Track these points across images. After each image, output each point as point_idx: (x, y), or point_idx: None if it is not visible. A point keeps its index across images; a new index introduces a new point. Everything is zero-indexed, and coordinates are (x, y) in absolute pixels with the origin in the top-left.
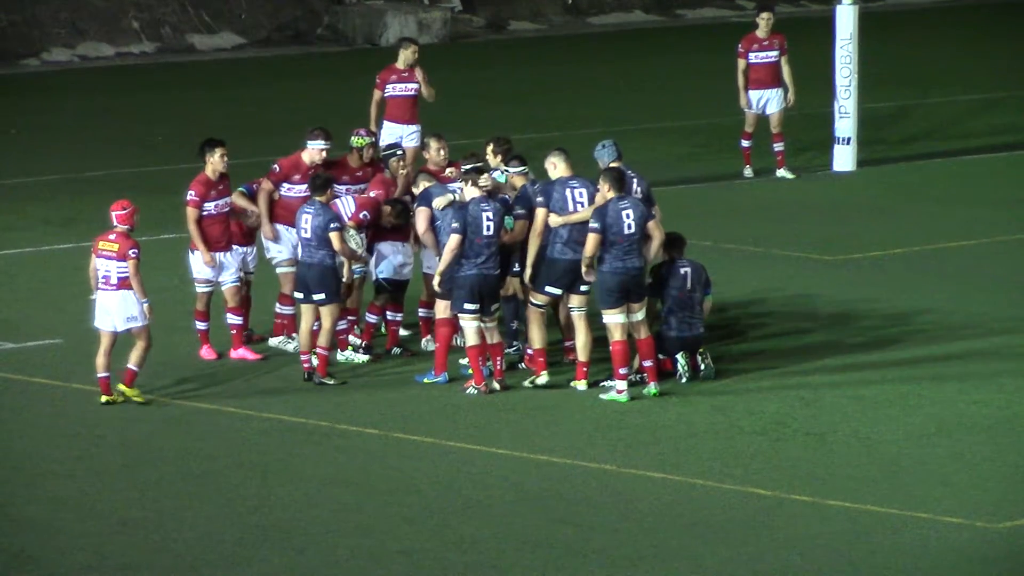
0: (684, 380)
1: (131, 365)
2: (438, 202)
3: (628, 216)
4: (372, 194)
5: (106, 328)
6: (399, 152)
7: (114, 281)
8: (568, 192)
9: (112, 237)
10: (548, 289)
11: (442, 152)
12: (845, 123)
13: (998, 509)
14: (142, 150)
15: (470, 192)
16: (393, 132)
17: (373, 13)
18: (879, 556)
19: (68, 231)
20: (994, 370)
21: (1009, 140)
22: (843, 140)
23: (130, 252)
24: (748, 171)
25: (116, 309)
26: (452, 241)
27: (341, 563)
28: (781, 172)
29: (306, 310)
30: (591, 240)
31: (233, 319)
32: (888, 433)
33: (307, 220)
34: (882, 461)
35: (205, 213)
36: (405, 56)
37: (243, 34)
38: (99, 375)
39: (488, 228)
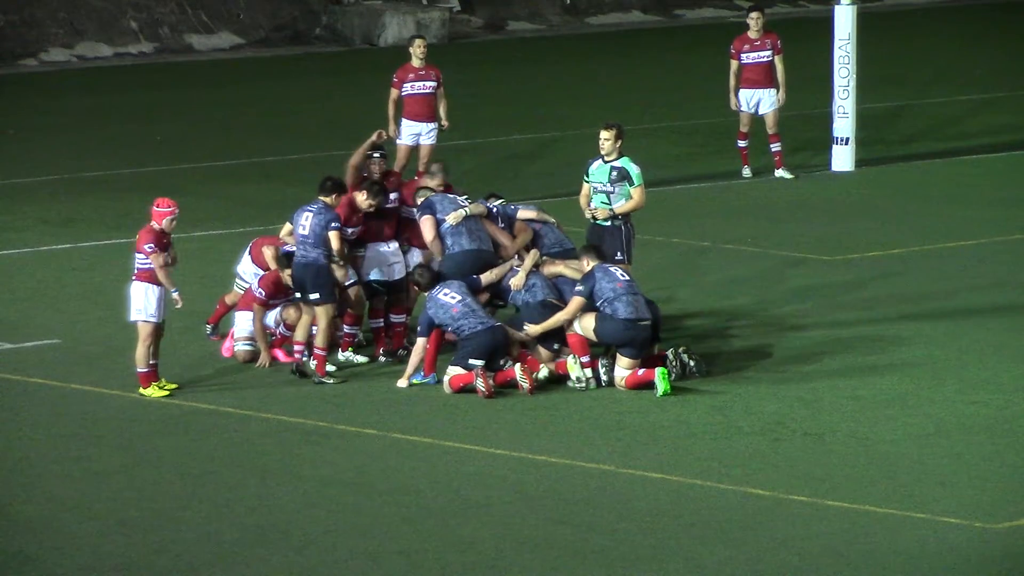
0: (673, 377)
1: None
2: (452, 218)
3: (615, 271)
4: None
5: (134, 319)
6: (375, 156)
7: (134, 273)
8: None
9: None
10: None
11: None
12: (844, 123)
13: (996, 509)
14: (141, 150)
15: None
16: (412, 130)
17: (371, 13)
18: (877, 556)
19: (66, 231)
20: (993, 370)
21: (1007, 140)
22: (842, 140)
23: (146, 246)
24: (747, 171)
25: (131, 300)
26: (575, 303)
27: (340, 563)
28: (780, 172)
29: (306, 307)
30: (574, 303)
31: (285, 331)
32: (887, 433)
33: (307, 218)
34: (881, 461)
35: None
36: (416, 52)
37: (241, 34)
38: (139, 369)
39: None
